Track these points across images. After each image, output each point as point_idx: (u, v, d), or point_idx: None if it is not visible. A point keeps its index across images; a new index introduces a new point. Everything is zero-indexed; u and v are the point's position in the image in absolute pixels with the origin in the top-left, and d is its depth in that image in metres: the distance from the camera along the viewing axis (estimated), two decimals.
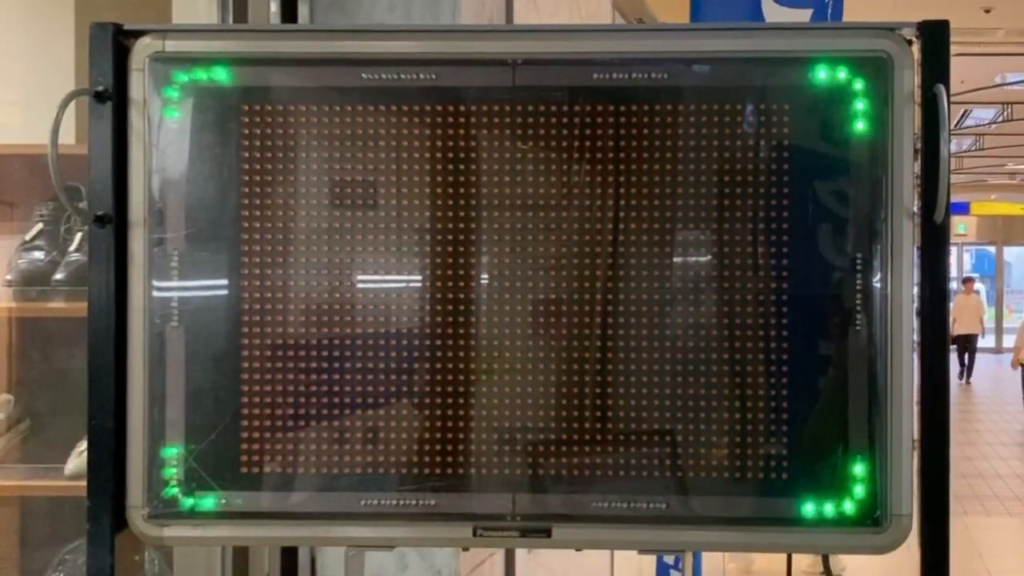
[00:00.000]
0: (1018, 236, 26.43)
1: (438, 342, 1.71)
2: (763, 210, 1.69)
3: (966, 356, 19.43)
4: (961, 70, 12.56)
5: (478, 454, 1.71)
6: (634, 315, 1.70)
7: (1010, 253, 27.21)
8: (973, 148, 20.10)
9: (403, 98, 1.71)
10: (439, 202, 1.71)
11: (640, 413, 1.69)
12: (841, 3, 3.91)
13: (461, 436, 1.71)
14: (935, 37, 1.68)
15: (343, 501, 1.72)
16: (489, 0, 2.86)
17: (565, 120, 1.70)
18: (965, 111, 17.50)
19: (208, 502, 1.72)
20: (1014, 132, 17.46)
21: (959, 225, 25.21)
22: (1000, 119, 17.29)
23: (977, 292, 21.05)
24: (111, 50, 1.71)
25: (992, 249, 27.13)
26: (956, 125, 18.07)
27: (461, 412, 1.71)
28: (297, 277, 1.72)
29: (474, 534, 1.71)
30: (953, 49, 1.69)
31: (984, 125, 18.11)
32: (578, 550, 1.81)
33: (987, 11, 10.38)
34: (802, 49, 1.72)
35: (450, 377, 1.71)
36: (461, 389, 1.71)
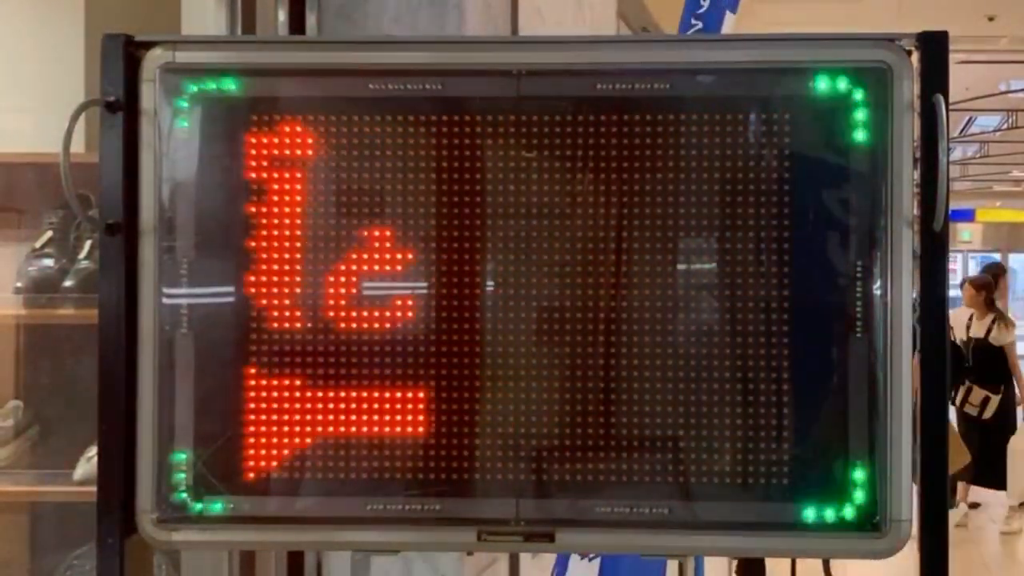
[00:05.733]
0: (1023, 243, 26.35)
1: (444, 349, 1.73)
2: (764, 219, 1.70)
3: None
4: (965, 77, 12.53)
5: (483, 459, 1.73)
6: (637, 323, 1.72)
7: (1015, 260, 27.12)
8: (978, 155, 20.05)
9: (409, 108, 1.74)
10: (444, 211, 1.73)
11: (643, 419, 1.71)
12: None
13: (466, 441, 1.73)
14: (934, 47, 1.70)
15: (349, 505, 1.74)
16: (494, 10, 2.89)
17: (569, 130, 1.72)
18: (969, 118, 17.47)
19: (216, 506, 1.74)
20: (1019, 139, 17.41)
21: (964, 232, 25.13)
22: (1005, 126, 17.25)
23: None
24: (122, 61, 1.73)
25: (997, 256, 27.04)
26: (960, 132, 18.03)
27: (466, 418, 1.73)
28: (304, 284, 1.74)
29: (478, 538, 1.73)
30: (957, 57, 1.71)
31: (989, 132, 18.07)
32: (582, 555, 1.83)
33: (991, 19, 10.36)
34: (803, 59, 1.74)
35: (455, 383, 1.73)
36: (466, 395, 1.73)
